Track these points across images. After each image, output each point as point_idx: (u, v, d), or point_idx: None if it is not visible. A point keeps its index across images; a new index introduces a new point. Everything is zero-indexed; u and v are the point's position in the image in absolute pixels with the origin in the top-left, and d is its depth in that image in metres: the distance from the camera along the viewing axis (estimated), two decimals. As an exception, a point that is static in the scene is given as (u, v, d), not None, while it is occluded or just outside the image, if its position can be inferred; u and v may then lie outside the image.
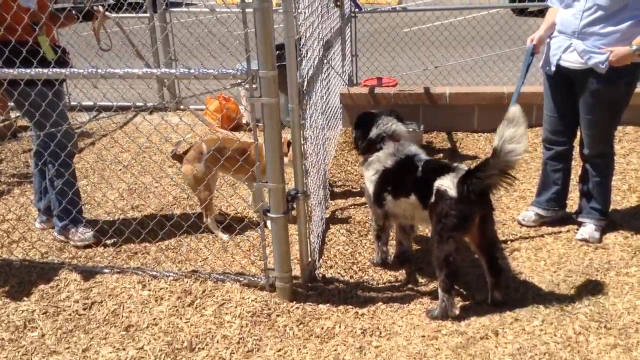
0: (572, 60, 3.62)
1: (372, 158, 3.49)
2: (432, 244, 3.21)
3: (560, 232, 4.03)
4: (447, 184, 3.07)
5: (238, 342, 3.03)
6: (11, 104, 4.31)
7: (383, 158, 3.44)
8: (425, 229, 4.09)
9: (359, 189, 4.86)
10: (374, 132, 3.53)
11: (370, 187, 3.51)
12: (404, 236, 3.77)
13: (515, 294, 3.37)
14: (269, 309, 3.28)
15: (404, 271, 3.68)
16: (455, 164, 3.21)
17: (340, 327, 3.13)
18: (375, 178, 3.45)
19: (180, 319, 3.23)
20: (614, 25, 3.43)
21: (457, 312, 3.18)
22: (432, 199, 3.13)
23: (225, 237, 4.06)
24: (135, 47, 4.23)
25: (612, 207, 4.07)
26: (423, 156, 3.40)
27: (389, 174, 3.40)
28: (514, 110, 2.89)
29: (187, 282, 3.52)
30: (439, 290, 3.17)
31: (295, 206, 3.35)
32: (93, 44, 4.13)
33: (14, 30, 3.52)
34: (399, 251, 3.79)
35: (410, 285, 3.53)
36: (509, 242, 3.93)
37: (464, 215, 3.06)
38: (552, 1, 3.79)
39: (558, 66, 3.71)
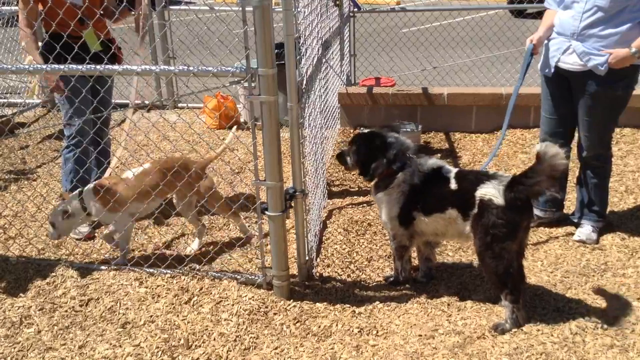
0: (571, 62, 3.63)
1: (395, 181, 3.22)
2: (482, 259, 3.07)
3: (557, 233, 4.04)
4: (491, 192, 2.96)
5: (235, 340, 3.03)
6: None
7: (408, 177, 3.21)
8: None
9: (357, 189, 4.87)
10: (390, 154, 3.24)
11: (393, 209, 3.27)
12: (427, 252, 3.55)
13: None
14: (266, 307, 3.28)
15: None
16: (492, 172, 3.11)
17: (337, 325, 3.13)
18: (401, 198, 3.23)
19: (177, 316, 3.22)
20: (614, 27, 3.44)
21: (524, 322, 3.06)
22: (475, 210, 3.01)
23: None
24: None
25: (609, 208, 4.08)
26: (449, 167, 3.25)
27: (417, 191, 3.19)
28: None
29: (184, 279, 3.52)
30: (507, 303, 3.03)
31: (293, 205, 3.35)
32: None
33: (63, 25, 3.71)
34: (426, 268, 3.57)
35: (407, 285, 3.53)
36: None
37: (513, 224, 2.96)
38: (550, 3, 3.79)
39: (557, 68, 3.71)
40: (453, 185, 3.12)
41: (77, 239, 4.15)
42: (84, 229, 4.17)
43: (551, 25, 3.75)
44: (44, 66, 3.55)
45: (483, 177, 3.06)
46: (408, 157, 3.24)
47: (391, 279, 3.53)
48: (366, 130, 3.42)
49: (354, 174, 5.17)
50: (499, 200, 2.94)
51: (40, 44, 4.15)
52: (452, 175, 3.16)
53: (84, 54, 3.78)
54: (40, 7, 3.93)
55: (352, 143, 3.42)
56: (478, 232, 3.03)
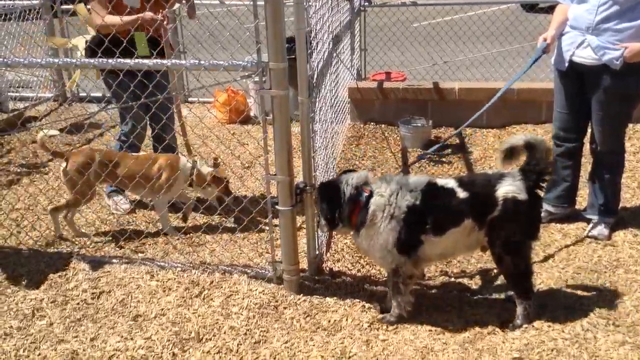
0: (585, 56, 3.59)
1: (370, 211, 2.94)
2: (502, 260, 2.99)
3: (569, 229, 4.02)
4: (512, 189, 2.89)
5: (245, 334, 3.04)
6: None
7: (388, 198, 2.93)
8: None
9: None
10: (349, 189, 3.01)
11: (388, 240, 2.95)
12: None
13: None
14: (276, 301, 3.29)
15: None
16: (492, 172, 3.07)
17: (347, 320, 3.13)
18: (397, 224, 2.92)
19: (188, 309, 3.24)
20: (629, 21, 3.40)
21: (534, 318, 3.03)
22: (496, 213, 2.89)
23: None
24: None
25: (621, 204, 4.05)
26: (440, 178, 3.08)
27: (419, 212, 2.92)
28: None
29: (194, 273, 3.54)
30: (520, 301, 3.01)
31: (303, 199, 3.35)
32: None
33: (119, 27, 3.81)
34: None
35: (418, 281, 3.52)
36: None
37: (535, 218, 2.98)
38: None
39: (570, 62, 3.68)
40: (462, 194, 2.93)
41: (119, 215, 4.40)
42: (125, 205, 4.41)
43: (562, 21, 3.72)
44: (56, 60, 3.56)
45: (494, 177, 2.99)
46: (367, 184, 3.01)
47: (392, 319, 3.10)
48: (327, 184, 3.21)
49: (364, 168, 5.16)
50: (522, 195, 2.90)
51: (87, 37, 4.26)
52: (453, 184, 2.98)
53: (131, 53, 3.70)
54: None
55: (315, 201, 3.21)
56: (499, 234, 2.94)
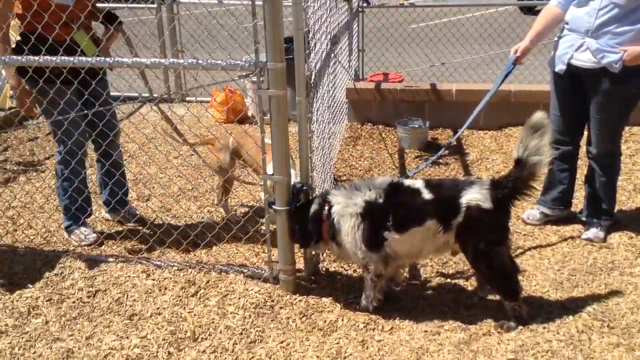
0: (584, 60, 3.59)
1: (335, 220, 3.06)
2: (477, 268, 3.06)
3: (564, 231, 4.03)
4: (478, 197, 2.88)
5: (241, 333, 3.04)
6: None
7: (346, 201, 3.05)
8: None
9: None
10: (313, 208, 3.18)
11: (356, 236, 3.03)
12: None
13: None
14: (272, 301, 3.29)
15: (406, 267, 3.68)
16: (469, 178, 3.06)
17: (342, 320, 3.14)
18: (358, 221, 3.01)
19: (184, 308, 3.24)
20: (630, 25, 3.40)
21: (529, 316, 3.06)
22: (460, 219, 2.91)
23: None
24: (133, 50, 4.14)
25: (617, 207, 4.06)
26: (412, 180, 3.12)
27: (383, 207, 2.99)
28: (539, 117, 2.80)
29: (191, 272, 3.54)
30: (507, 303, 3.03)
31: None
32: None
33: (51, 28, 3.47)
34: (387, 288, 3.29)
35: (414, 281, 3.54)
36: (513, 241, 3.92)
37: (502, 227, 2.95)
38: (560, 1, 3.74)
39: (568, 65, 3.69)
40: (427, 195, 2.96)
41: (86, 245, 3.97)
42: (91, 235, 4.00)
43: (541, 32, 3.74)
44: (53, 58, 3.52)
45: (463, 183, 3.00)
46: (328, 198, 3.14)
47: (357, 307, 3.23)
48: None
49: (361, 170, 5.17)
50: (487, 204, 2.88)
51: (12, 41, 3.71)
52: (420, 185, 3.01)
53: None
54: (19, 7, 3.51)
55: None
56: (469, 242, 2.96)
